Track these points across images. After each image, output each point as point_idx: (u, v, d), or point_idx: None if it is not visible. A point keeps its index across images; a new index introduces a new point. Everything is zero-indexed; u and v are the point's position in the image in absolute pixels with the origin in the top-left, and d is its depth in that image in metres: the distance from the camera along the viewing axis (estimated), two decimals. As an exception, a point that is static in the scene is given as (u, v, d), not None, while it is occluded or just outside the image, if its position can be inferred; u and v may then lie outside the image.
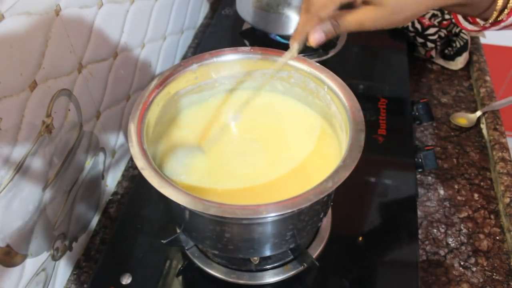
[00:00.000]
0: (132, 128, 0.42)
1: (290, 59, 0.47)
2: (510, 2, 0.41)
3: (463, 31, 0.85)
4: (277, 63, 0.49)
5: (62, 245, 0.55)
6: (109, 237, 0.61)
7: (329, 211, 0.57)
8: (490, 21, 0.43)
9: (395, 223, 0.57)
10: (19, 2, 0.41)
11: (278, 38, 0.86)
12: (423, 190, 0.67)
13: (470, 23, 0.49)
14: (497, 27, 0.44)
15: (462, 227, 0.62)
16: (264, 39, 0.86)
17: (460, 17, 0.50)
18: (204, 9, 1.02)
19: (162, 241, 0.50)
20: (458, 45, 0.85)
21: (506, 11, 0.42)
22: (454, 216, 0.63)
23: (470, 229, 0.61)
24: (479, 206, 0.64)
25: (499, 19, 0.43)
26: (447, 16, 0.87)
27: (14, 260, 0.46)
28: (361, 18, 0.37)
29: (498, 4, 0.41)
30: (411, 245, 0.54)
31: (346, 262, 0.53)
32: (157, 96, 0.46)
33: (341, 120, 0.46)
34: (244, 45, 0.86)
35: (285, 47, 0.52)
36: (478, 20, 0.47)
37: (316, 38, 0.40)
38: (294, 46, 0.44)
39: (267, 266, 0.52)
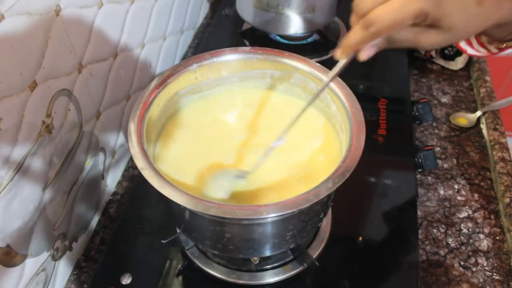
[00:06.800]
0: (132, 128, 0.42)
1: (337, 75, 0.42)
2: None
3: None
4: (326, 79, 0.43)
5: (62, 245, 0.55)
6: (109, 237, 0.61)
7: (329, 211, 0.57)
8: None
9: (395, 223, 0.57)
10: (19, 2, 0.41)
11: (278, 38, 0.86)
12: (423, 190, 0.67)
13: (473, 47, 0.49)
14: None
15: (462, 227, 0.62)
16: (264, 39, 0.86)
17: (462, 43, 0.50)
18: (204, 9, 1.02)
19: (162, 241, 0.50)
20: (458, 45, 0.85)
21: None
22: (454, 216, 0.63)
23: (470, 229, 0.61)
24: (479, 206, 0.64)
25: None
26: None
27: (14, 260, 0.46)
28: (420, 38, 0.35)
29: None
30: (411, 245, 0.54)
31: (346, 262, 0.53)
32: (157, 96, 0.46)
33: (341, 120, 0.46)
34: (244, 45, 0.86)
35: (285, 47, 0.52)
36: (486, 45, 0.48)
37: (368, 54, 0.37)
38: (342, 61, 0.39)
39: (267, 266, 0.52)
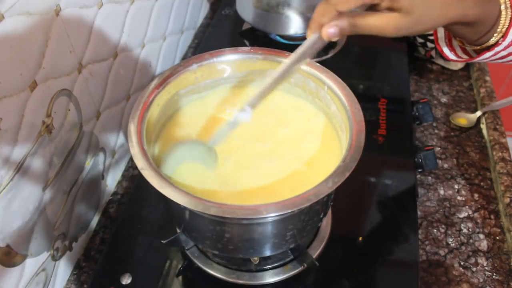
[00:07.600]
0: (132, 128, 0.42)
1: (308, 51, 0.41)
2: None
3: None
4: (293, 55, 0.42)
5: (62, 245, 0.55)
6: (109, 237, 0.61)
7: (329, 211, 0.57)
8: (489, 43, 0.43)
9: (395, 223, 0.57)
10: (19, 2, 0.41)
11: (278, 38, 0.86)
12: (423, 190, 0.67)
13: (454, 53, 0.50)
14: (490, 53, 0.43)
15: (462, 227, 0.62)
16: (264, 39, 0.86)
17: (445, 49, 0.50)
18: (204, 9, 1.02)
19: (162, 241, 0.50)
20: (458, 45, 0.85)
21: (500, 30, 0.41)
22: (454, 216, 0.63)
23: (470, 229, 0.61)
24: (479, 206, 0.64)
25: (498, 41, 0.42)
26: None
27: (14, 260, 0.46)
28: (382, 23, 0.36)
29: (499, 25, 0.41)
30: (411, 245, 0.54)
31: (346, 262, 0.53)
32: (157, 96, 0.46)
33: (341, 120, 0.46)
34: (244, 45, 0.86)
35: (285, 47, 0.52)
36: (467, 49, 0.48)
37: (329, 32, 0.38)
38: (311, 36, 0.40)
39: (267, 266, 0.52)
